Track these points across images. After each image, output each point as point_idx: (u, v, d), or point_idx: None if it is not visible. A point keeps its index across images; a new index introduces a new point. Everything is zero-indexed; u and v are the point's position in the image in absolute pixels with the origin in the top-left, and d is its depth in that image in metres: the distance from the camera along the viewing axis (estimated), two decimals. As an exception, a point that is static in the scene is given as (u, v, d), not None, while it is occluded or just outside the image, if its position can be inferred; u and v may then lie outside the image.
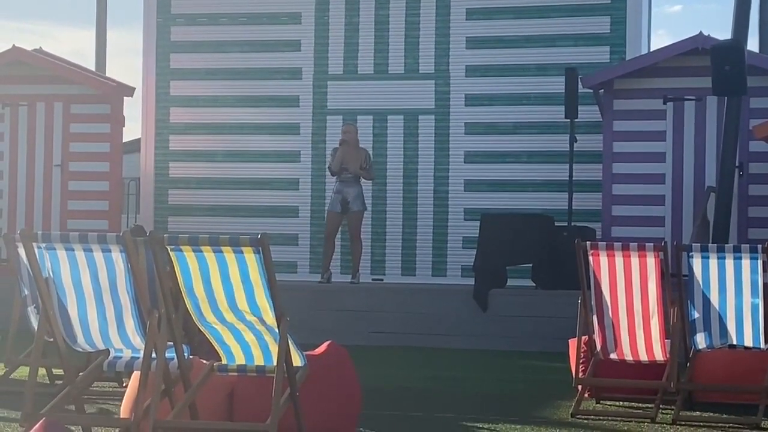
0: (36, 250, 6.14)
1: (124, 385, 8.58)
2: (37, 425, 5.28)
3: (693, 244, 8.16)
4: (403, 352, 12.20)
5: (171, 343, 6.13)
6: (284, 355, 5.99)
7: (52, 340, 6.36)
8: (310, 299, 13.29)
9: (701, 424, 7.71)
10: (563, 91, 14.14)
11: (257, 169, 15.85)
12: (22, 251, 7.95)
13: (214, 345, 6.29)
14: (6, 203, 15.59)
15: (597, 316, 8.20)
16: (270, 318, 6.05)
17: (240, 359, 6.29)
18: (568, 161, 14.11)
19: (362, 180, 14.13)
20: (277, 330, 6.06)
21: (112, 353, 6.33)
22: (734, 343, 8.06)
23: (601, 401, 8.55)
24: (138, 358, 6.18)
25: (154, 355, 6.04)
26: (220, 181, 15.92)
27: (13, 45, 15.54)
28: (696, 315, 8.01)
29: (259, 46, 15.94)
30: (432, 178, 15.40)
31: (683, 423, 7.69)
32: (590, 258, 8.16)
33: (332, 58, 15.75)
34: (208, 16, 16.10)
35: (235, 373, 6.34)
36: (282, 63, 15.86)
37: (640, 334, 8.11)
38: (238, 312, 6.09)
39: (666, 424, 7.68)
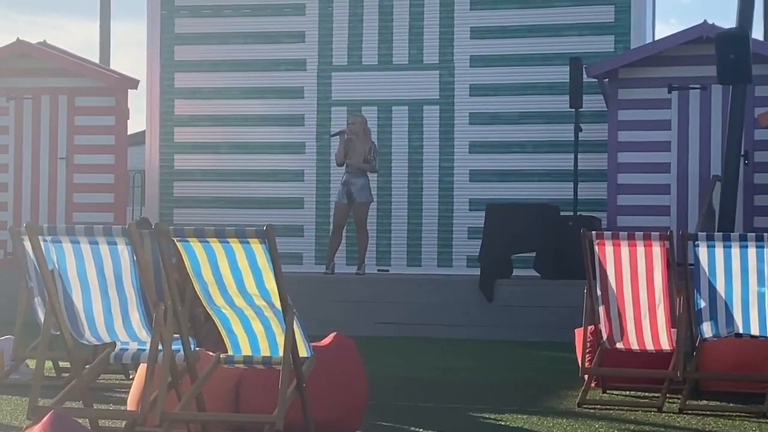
0: (42, 243, 6.14)
1: (130, 377, 8.60)
2: (44, 418, 5.28)
3: (699, 233, 8.14)
4: (409, 343, 12.20)
5: (177, 335, 6.13)
6: (290, 347, 5.99)
7: (58, 333, 6.36)
8: (315, 290, 13.28)
9: (708, 413, 7.70)
10: (568, 80, 14.13)
11: (262, 160, 15.84)
12: (27, 244, 7.93)
13: (221, 332, 6.28)
14: (11, 196, 15.60)
15: (603, 306, 8.19)
16: (279, 303, 6.03)
17: (246, 350, 6.29)
18: (573, 151, 14.10)
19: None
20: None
21: (119, 346, 6.34)
22: (740, 331, 8.05)
23: (608, 391, 8.55)
24: (144, 350, 6.18)
25: (160, 347, 6.04)
26: (224, 172, 15.91)
27: (17, 38, 15.54)
28: (702, 304, 8.01)
29: (263, 38, 15.92)
30: (437, 169, 15.39)
31: (690, 412, 7.69)
32: (596, 248, 8.15)
33: (336, 49, 15.73)
34: (211, 8, 16.08)
35: (242, 365, 6.34)
36: (286, 54, 15.84)
37: (646, 323, 8.10)
38: (247, 296, 6.07)
39: (672, 413, 7.68)
